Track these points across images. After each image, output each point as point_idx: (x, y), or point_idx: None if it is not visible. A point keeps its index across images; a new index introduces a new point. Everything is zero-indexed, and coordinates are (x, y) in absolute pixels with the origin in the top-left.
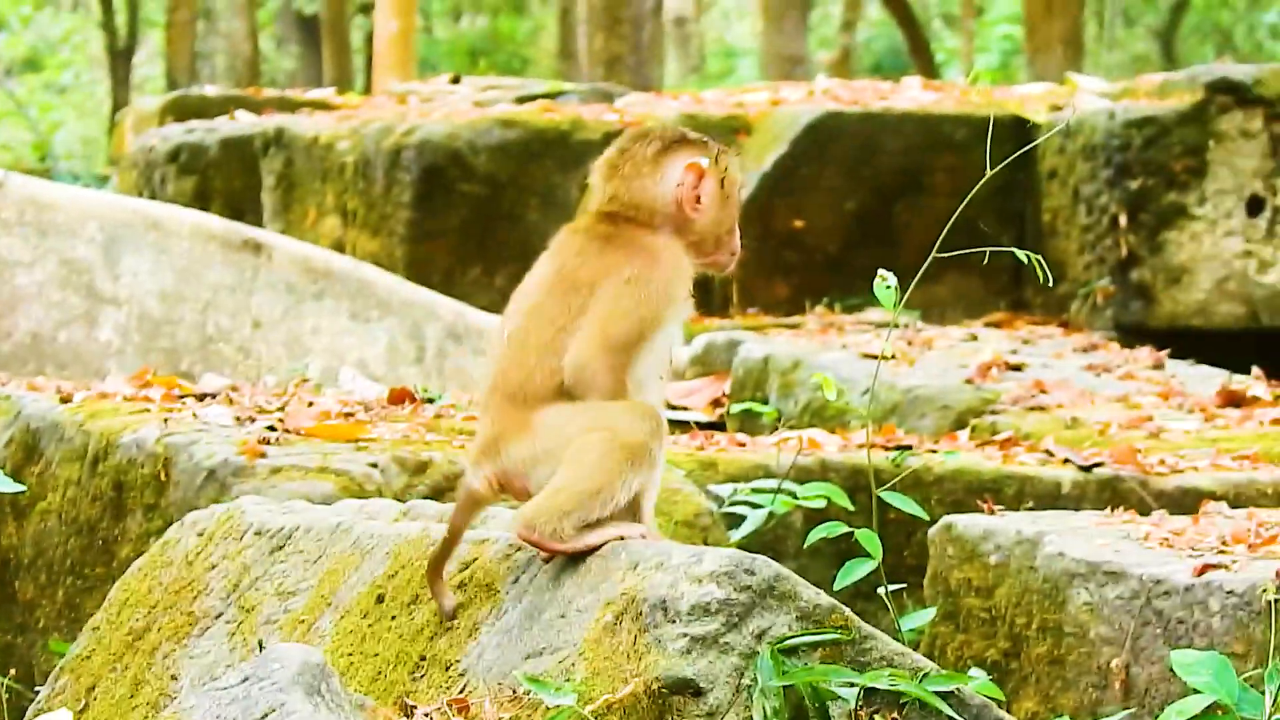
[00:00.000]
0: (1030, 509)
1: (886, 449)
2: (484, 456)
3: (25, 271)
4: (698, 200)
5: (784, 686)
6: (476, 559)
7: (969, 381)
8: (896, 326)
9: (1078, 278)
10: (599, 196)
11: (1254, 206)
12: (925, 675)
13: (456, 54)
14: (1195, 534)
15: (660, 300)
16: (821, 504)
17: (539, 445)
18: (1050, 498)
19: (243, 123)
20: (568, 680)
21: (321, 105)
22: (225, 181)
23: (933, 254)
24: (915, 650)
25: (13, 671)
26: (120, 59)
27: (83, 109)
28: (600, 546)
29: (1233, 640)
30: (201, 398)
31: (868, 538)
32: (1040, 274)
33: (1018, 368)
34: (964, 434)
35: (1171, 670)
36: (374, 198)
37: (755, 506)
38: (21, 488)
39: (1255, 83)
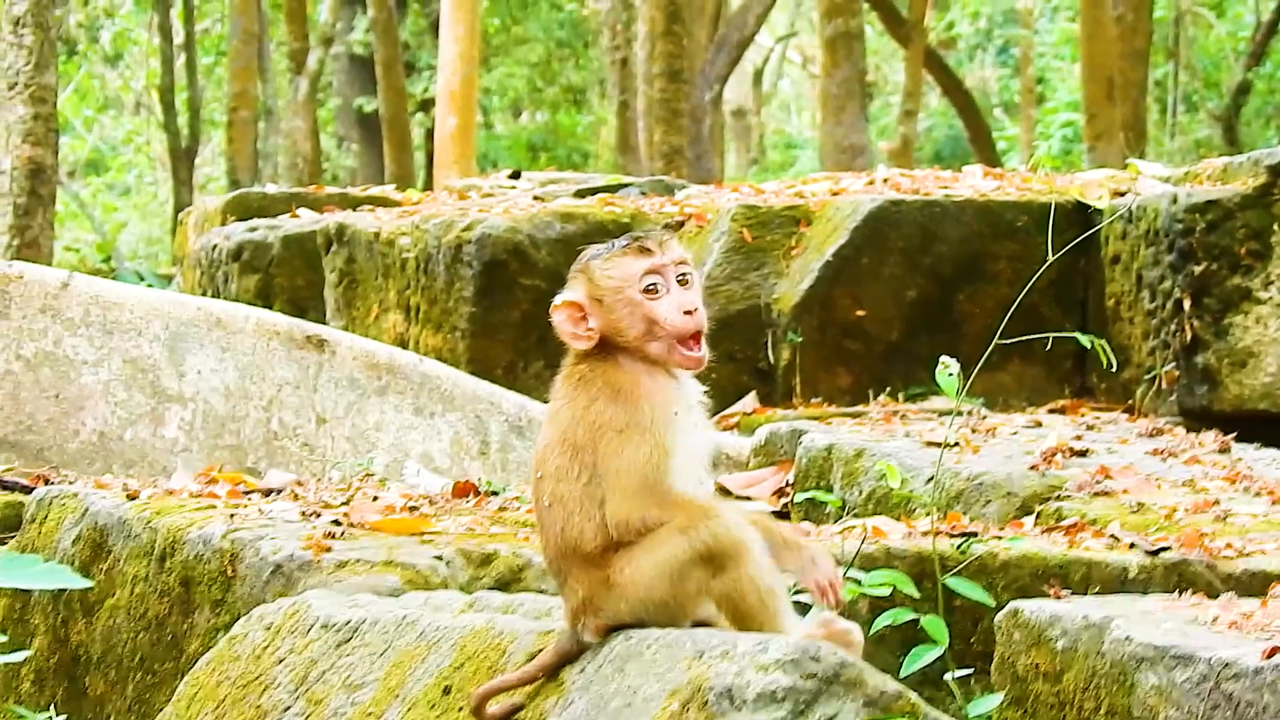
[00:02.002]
0: (1097, 593)
1: (951, 536)
2: (583, 614)
3: (91, 370)
4: (589, 327)
5: None
6: (541, 649)
7: (1034, 468)
8: (960, 414)
9: (1142, 363)
10: None
11: None
12: None
13: (517, 149)
14: (1264, 616)
15: (658, 432)
16: (887, 591)
17: (636, 599)
18: (1117, 582)
19: (304, 220)
20: None
21: (382, 202)
22: (288, 279)
23: (995, 341)
24: None
25: None
26: (182, 159)
27: (146, 209)
28: None
29: None
30: (267, 493)
31: (934, 624)
32: (1104, 359)
33: (1083, 453)
34: (1029, 520)
35: None
36: (436, 293)
37: None
38: (89, 584)
39: None
